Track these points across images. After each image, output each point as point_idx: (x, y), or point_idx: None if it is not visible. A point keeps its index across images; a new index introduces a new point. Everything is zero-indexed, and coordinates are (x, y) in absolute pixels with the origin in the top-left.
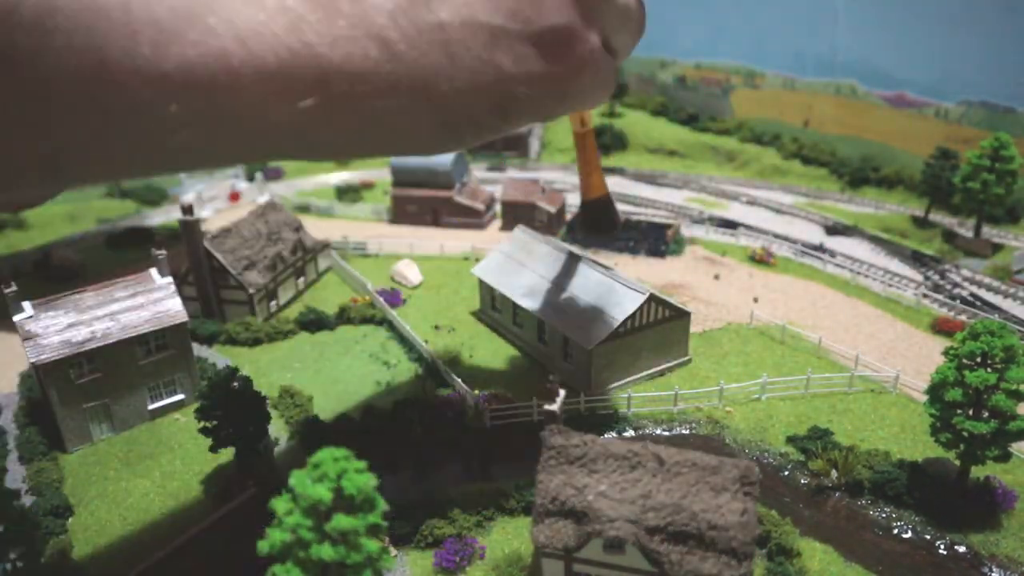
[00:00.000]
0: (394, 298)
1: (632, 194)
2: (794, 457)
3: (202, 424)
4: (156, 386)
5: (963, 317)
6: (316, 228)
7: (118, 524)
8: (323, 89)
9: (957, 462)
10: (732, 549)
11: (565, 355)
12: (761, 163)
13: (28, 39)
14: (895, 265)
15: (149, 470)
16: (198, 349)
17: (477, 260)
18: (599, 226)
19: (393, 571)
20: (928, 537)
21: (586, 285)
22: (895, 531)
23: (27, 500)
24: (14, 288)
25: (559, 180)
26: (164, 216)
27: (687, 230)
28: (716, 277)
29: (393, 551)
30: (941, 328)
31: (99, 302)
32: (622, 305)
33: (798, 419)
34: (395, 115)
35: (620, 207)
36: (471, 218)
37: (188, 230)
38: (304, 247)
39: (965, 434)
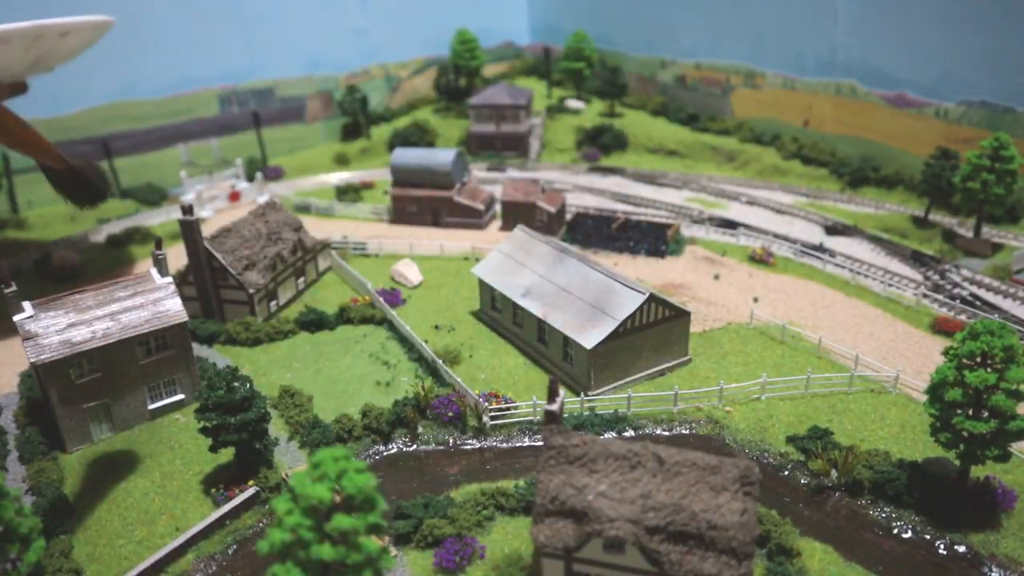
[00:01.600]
0: (394, 298)
1: (632, 194)
2: (794, 457)
3: (202, 424)
4: (156, 386)
5: (963, 317)
6: (316, 228)
7: (118, 524)
8: None
9: (957, 462)
10: (732, 549)
11: (565, 355)
12: (761, 163)
13: None
14: (895, 265)
15: (149, 470)
16: (198, 349)
17: (477, 260)
18: (85, 197)
19: (393, 571)
20: (928, 537)
21: (586, 285)
22: (895, 531)
23: (27, 500)
24: (14, 288)
25: (559, 180)
26: (164, 216)
27: (687, 230)
28: (716, 277)
29: (393, 551)
30: (941, 328)
31: (99, 302)
32: (622, 305)
33: (798, 419)
34: None
35: (620, 207)
36: (471, 218)
37: (188, 230)
38: (304, 247)
39: (965, 434)
